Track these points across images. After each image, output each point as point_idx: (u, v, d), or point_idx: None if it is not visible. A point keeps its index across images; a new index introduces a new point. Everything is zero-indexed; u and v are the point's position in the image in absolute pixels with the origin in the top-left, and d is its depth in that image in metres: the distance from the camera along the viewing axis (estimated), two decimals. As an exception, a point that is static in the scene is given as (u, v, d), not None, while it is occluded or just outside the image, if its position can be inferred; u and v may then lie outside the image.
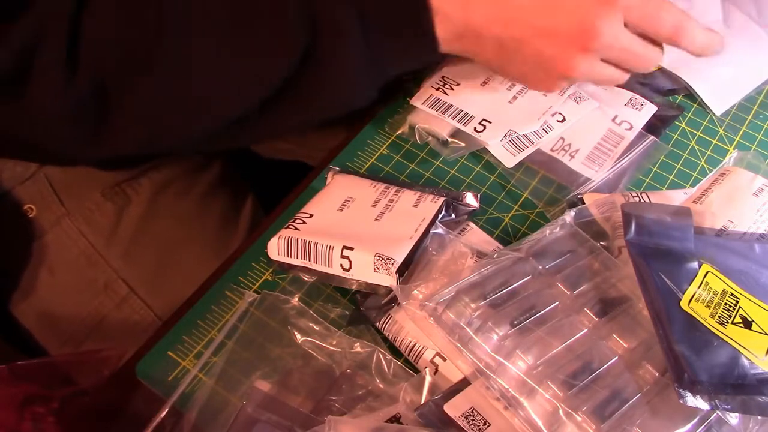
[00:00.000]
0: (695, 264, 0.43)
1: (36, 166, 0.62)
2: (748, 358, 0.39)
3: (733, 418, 0.37)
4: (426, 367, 0.42)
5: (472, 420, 0.38)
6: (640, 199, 0.48)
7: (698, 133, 0.56)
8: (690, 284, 0.42)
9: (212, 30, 0.43)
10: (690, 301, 0.41)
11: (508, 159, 0.52)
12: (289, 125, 0.48)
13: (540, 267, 0.43)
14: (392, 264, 0.42)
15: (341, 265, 0.44)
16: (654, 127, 0.55)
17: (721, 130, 0.56)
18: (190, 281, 0.49)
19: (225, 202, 0.71)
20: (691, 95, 0.58)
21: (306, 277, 0.46)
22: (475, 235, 0.48)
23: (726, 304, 0.42)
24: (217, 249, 0.66)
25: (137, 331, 0.62)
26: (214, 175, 0.71)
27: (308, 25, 0.43)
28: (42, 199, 0.62)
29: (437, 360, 0.42)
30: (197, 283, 0.49)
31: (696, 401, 0.37)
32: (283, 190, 0.54)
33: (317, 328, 0.44)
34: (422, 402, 0.40)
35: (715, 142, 0.56)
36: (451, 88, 0.54)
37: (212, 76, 0.44)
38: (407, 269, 0.43)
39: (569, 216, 0.46)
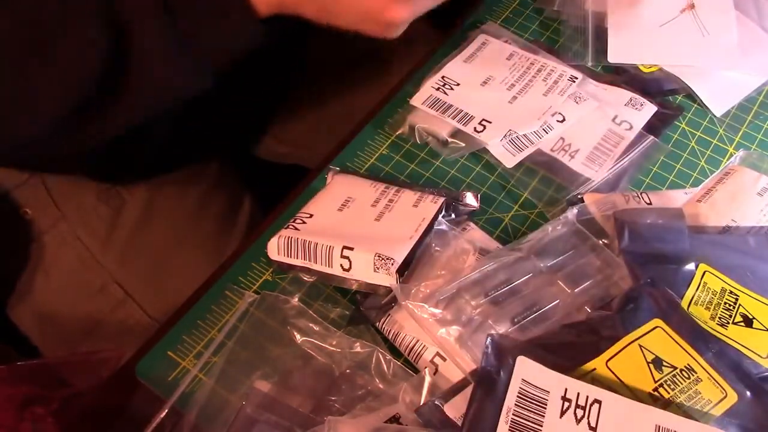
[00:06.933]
0: (692, 266, 0.43)
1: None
2: (751, 359, 0.39)
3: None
4: (426, 367, 0.42)
5: (473, 420, 0.38)
6: (640, 199, 0.48)
7: (698, 133, 0.56)
8: (688, 287, 0.42)
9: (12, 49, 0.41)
10: (689, 304, 0.41)
11: (508, 159, 0.52)
12: (117, 124, 0.46)
13: (541, 265, 0.43)
14: (392, 264, 0.42)
15: (341, 265, 0.44)
16: (654, 127, 0.55)
17: (721, 130, 0.56)
18: (186, 285, 0.49)
19: (222, 205, 0.71)
20: (691, 95, 0.58)
21: (306, 277, 0.46)
22: (475, 235, 0.48)
23: (726, 303, 0.42)
24: (213, 253, 0.66)
25: (133, 335, 0.62)
26: (211, 177, 0.71)
27: (109, 19, 0.41)
28: (38, 203, 0.62)
29: (437, 360, 0.42)
30: (193, 286, 0.48)
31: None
32: (282, 193, 0.54)
33: (317, 329, 0.44)
34: (422, 402, 0.40)
35: (715, 142, 0.56)
36: (451, 88, 0.54)
37: (17, 90, 0.42)
38: (407, 269, 0.43)
39: (571, 213, 0.46)
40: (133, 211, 0.64)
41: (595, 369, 0.37)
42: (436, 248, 0.45)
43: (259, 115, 0.76)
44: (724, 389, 0.37)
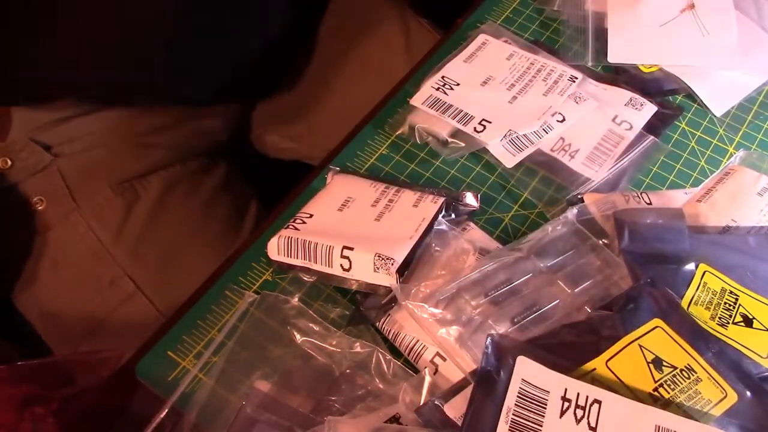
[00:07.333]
0: (692, 266, 0.43)
1: (49, 158, 0.62)
2: (751, 359, 0.39)
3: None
4: (426, 367, 0.42)
5: (473, 420, 0.38)
6: (640, 199, 0.48)
7: (698, 133, 0.56)
8: (688, 287, 0.42)
9: None
10: (689, 305, 0.41)
11: (508, 159, 0.52)
12: None
13: (541, 265, 0.44)
14: (392, 264, 0.42)
15: (341, 265, 0.44)
16: (654, 127, 0.55)
17: (721, 130, 0.56)
18: (196, 280, 0.49)
19: (231, 203, 0.71)
20: (691, 95, 0.58)
21: (306, 277, 0.46)
22: (475, 235, 0.48)
23: (725, 303, 0.42)
24: (222, 249, 0.66)
25: (142, 329, 0.62)
26: (220, 176, 0.72)
27: None
28: (53, 192, 0.62)
29: (437, 360, 0.42)
30: (202, 282, 0.48)
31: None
32: (284, 189, 0.54)
33: (317, 329, 0.44)
34: (422, 402, 0.40)
35: (715, 142, 0.56)
36: (451, 88, 0.54)
37: None
38: (407, 269, 0.43)
39: (571, 213, 0.46)
40: (146, 205, 0.65)
41: (595, 369, 0.37)
42: (436, 248, 0.45)
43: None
44: (724, 389, 0.37)
